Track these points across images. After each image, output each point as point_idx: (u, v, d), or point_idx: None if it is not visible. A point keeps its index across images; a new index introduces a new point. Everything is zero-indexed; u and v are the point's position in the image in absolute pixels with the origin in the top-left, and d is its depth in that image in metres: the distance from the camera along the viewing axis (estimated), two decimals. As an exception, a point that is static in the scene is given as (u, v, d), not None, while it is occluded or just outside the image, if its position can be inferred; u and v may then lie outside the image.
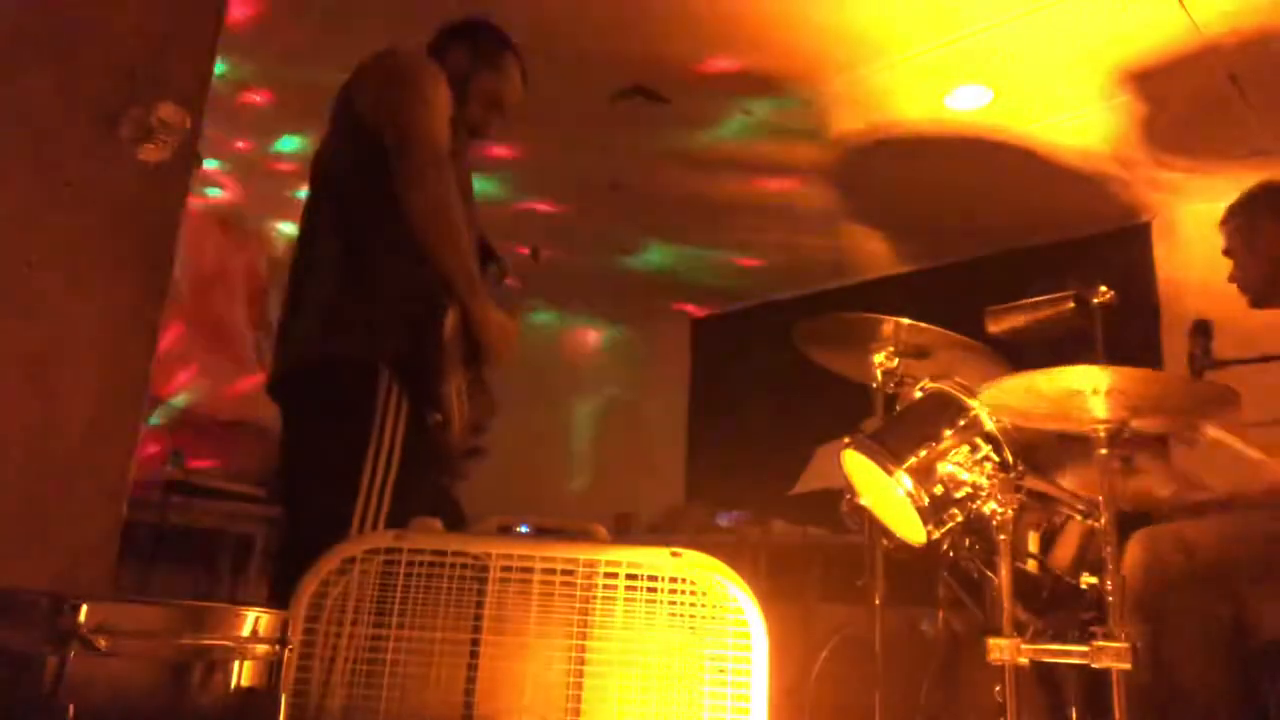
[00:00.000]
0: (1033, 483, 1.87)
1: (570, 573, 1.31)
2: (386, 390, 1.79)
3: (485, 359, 1.93)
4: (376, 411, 1.78)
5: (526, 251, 2.29)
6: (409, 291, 1.83)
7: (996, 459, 1.82)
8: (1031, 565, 1.87)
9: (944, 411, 1.89)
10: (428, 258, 1.81)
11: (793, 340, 2.30)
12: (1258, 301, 2.27)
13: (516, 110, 2.23)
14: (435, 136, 1.85)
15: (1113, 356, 1.75)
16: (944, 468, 1.81)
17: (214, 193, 4.46)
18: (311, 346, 1.82)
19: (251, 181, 4.34)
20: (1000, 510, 1.71)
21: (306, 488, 1.83)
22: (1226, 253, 2.32)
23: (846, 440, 1.94)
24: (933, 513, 1.81)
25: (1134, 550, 1.93)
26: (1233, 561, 1.89)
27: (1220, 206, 2.40)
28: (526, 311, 1.89)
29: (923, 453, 1.83)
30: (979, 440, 1.84)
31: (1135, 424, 1.67)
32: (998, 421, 1.85)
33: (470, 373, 1.92)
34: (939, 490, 1.81)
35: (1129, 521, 1.93)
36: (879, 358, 2.19)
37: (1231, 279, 2.31)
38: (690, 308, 5.59)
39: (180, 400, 4.39)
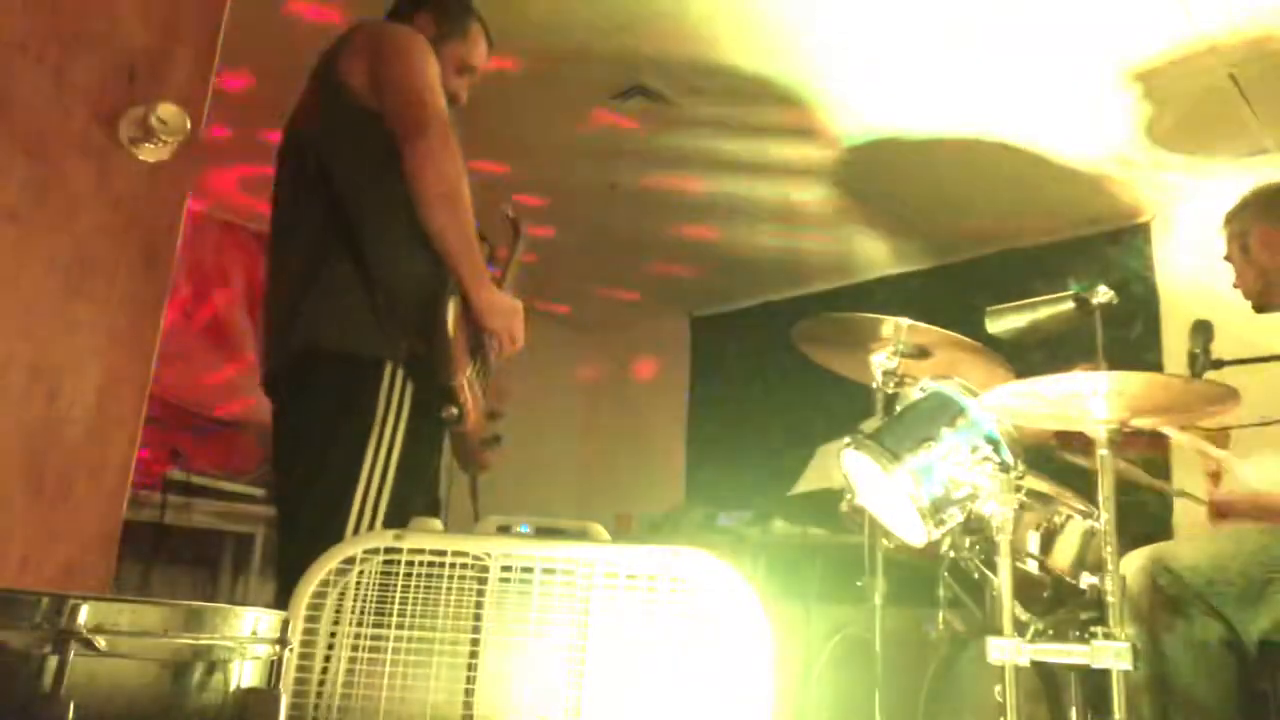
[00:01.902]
0: (1033, 483, 1.87)
1: (570, 573, 1.31)
2: (389, 386, 1.77)
3: (492, 344, 1.90)
4: (378, 407, 1.75)
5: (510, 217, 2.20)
6: (411, 279, 1.79)
7: (996, 459, 1.82)
8: (1031, 565, 1.87)
9: (944, 411, 1.89)
10: (433, 240, 1.76)
11: (793, 340, 2.30)
12: (1259, 307, 2.28)
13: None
14: (442, 112, 1.80)
15: (1113, 357, 1.76)
16: (944, 468, 1.81)
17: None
18: (311, 342, 1.78)
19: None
20: (1000, 510, 1.71)
21: (303, 486, 1.81)
22: (1226, 259, 2.33)
23: (846, 440, 1.94)
24: (933, 513, 1.81)
25: (1126, 572, 1.93)
26: (1220, 582, 1.90)
27: (1220, 206, 2.41)
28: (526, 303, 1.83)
29: (923, 453, 1.83)
30: (979, 440, 1.84)
31: (1136, 423, 1.67)
32: (998, 421, 1.85)
33: (477, 360, 1.89)
34: (939, 490, 1.81)
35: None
36: (879, 358, 2.19)
37: (1235, 286, 2.32)
38: (690, 307, 5.59)
39: (180, 399, 4.39)
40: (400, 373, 1.78)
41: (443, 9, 2.07)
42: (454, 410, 1.76)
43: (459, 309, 1.78)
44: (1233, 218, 2.33)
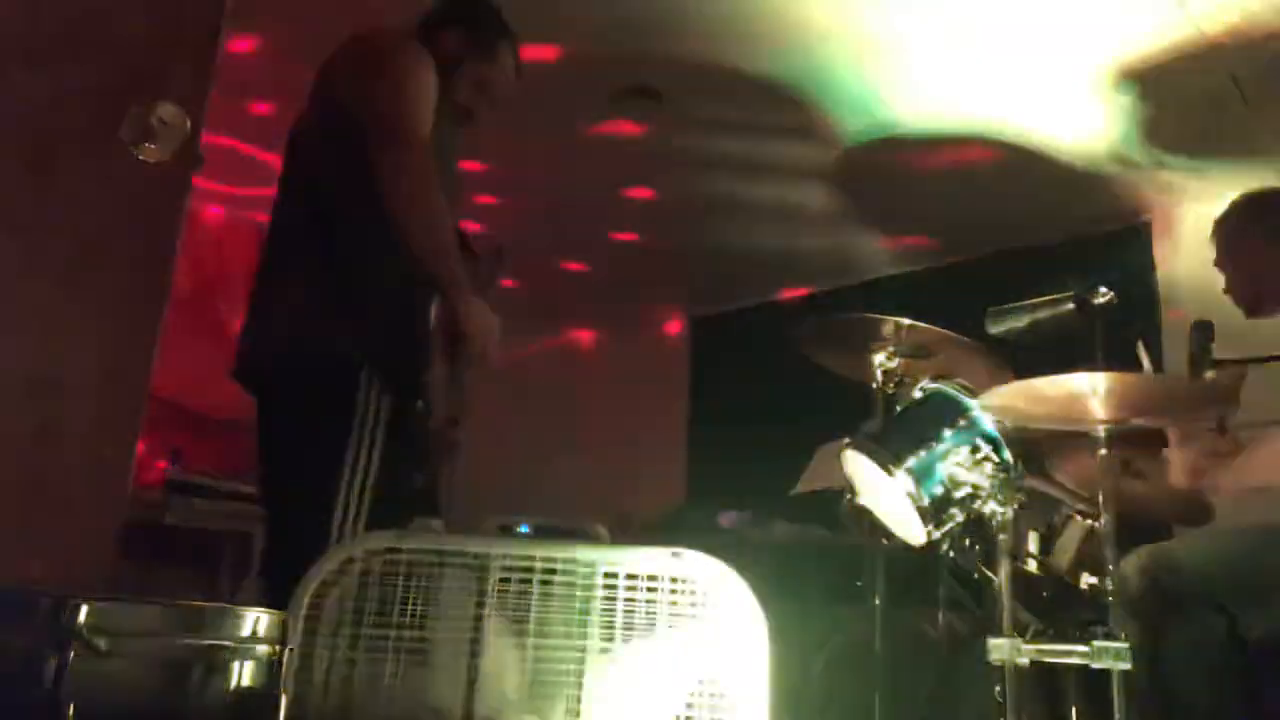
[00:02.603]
0: (1033, 483, 1.87)
1: (570, 573, 1.31)
2: (367, 388, 1.78)
3: (466, 353, 1.91)
4: (356, 410, 1.76)
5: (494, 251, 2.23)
6: (390, 285, 1.81)
7: (996, 459, 1.82)
8: (1031, 565, 1.87)
9: (944, 411, 1.89)
10: (410, 249, 1.78)
11: (793, 340, 2.30)
12: (1251, 312, 2.29)
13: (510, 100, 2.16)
14: (416, 126, 1.81)
15: (1113, 357, 1.75)
16: (944, 468, 1.81)
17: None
18: (290, 344, 1.80)
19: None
20: (1000, 510, 1.71)
21: (286, 488, 1.81)
22: (1216, 265, 2.34)
23: (846, 440, 1.94)
24: (933, 513, 1.81)
25: (1127, 571, 1.93)
26: (1221, 579, 1.90)
27: (1220, 207, 2.41)
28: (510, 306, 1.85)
29: (923, 453, 1.83)
30: (979, 440, 1.84)
31: (1135, 423, 1.67)
32: (997, 421, 1.85)
33: (449, 367, 1.90)
34: (939, 490, 1.81)
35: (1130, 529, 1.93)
36: (879, 358, 2.19)
37: (1226, 291, 2.33)
38: (690, 307, 5.59)
39: (180, 399, 4.39)
40: (377, 375, 1.79)
41: (474, 27, 2.07)
42: (423, 404, 1.78)
43: (440, 311, 1.81)
44: (1221, 225, 2.34)
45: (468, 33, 2.06)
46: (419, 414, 1.78)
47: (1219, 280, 2.35)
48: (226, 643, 0.94)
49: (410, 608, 1.31)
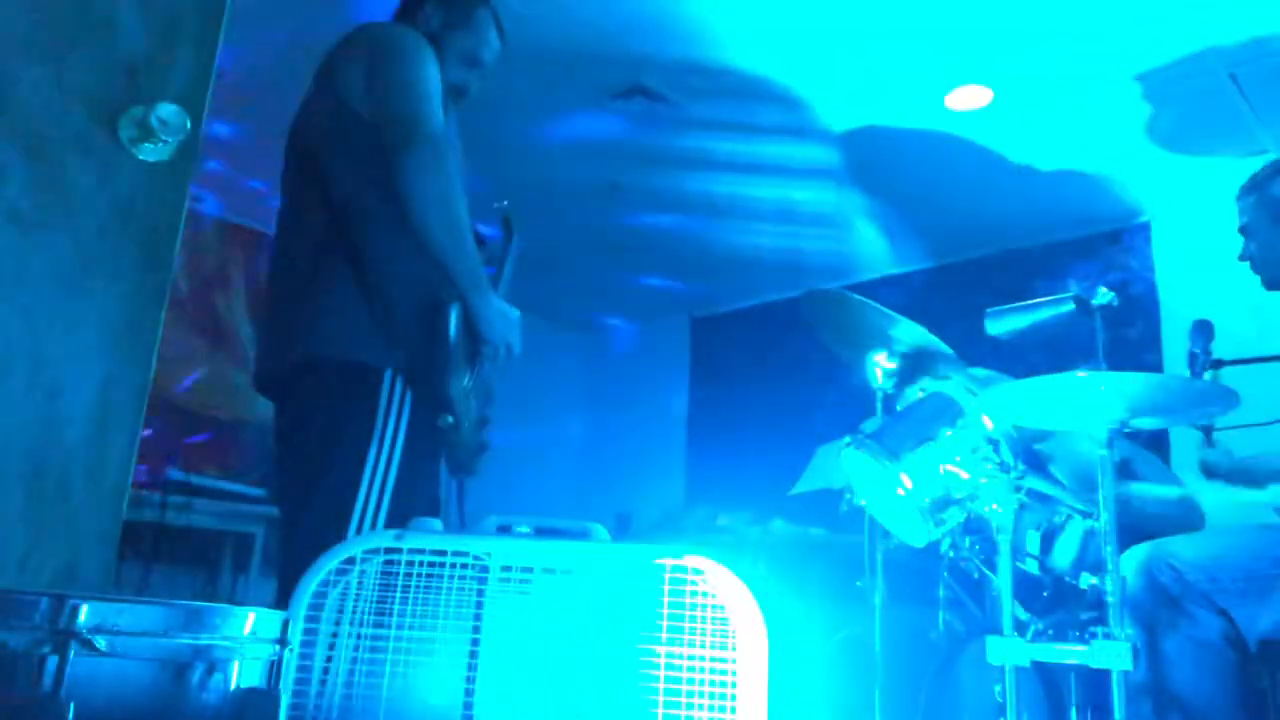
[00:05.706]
0: (1033, 483, 1.87)
1: (570, 572, 1.31)
2: (389, 391, 1.76)
3: (488, 353, 1.90)
4: (378, 413, 1.74)
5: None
6: (410, 287, 1.79)
7: (996, 459, 1.82)
8: (1031, 565, 1.87)
9: (945, 412, 1.89)
10: (430, 251, 1.75)
11: (792, 340, 2.30)
12: (1272, 282, 2.16)
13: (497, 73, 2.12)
14: (435, 124, 1.78)
15: (1113, 357, 1.76)
16: (944, 468, 1.81)
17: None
18: (308, 347, 1.78)
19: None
20: (1000, 510, 1.71)
21: (305, 490, 1.80)
22: (1243, 230, 2.18)
23: (846, 440, 1.94)
24: (933, 513, 1.81)
25: (1127, 571, 1.92)
26: (1224, 579, 1.90)
27: (1220, 206, 2.39)
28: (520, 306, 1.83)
29: (922, 453, 1.83)
30: (979, 440, 1.84)
31: (1136, 423, 1.67)
32: (997, 421, 1.85)
33: (474, 368, 1.89)
34: (939, 490, 1.81)
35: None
36: (880, 357, 2.19)
37: (1244, 257, 2.17)
38: (690, 307, 5.59)
39: (180, 399, 4.39)
40: (400, 379, 1.77)
41: (449, 0, 2.03)
42: (450, 418, 1.76)
43: (460, 317, 1.78)
44: (1263, 183, 2.16)
45: (443, 6, 2.01)
46: (448, 428, 1.77)
47: (1225, 269, 2.22)
48: (226, 643, 0.94)
49: (410, 608, 1.31)
